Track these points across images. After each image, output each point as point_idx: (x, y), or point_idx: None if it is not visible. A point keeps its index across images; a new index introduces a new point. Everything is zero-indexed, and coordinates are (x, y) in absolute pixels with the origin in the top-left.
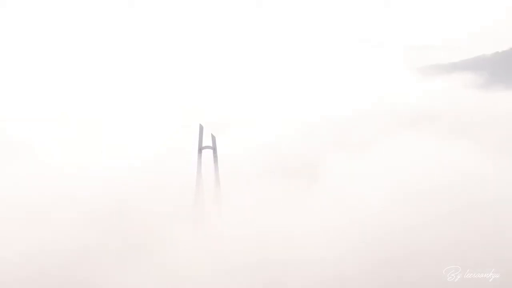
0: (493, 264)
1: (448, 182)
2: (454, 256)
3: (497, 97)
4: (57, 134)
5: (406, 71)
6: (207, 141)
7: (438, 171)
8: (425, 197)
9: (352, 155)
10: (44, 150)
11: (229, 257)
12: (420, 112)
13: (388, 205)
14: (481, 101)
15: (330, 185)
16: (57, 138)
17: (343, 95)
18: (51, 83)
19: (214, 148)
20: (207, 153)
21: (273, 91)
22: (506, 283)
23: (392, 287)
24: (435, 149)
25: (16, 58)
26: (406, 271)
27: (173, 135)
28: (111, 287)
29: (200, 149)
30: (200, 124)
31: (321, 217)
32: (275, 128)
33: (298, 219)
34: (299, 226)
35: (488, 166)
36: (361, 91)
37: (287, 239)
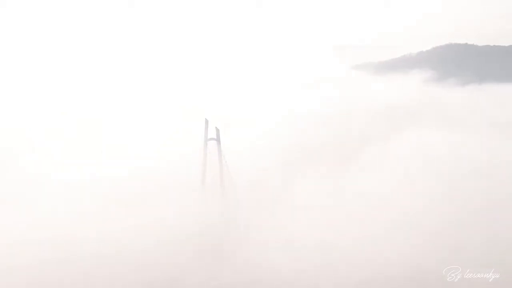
0: (493, 264)
1: (449, 168)
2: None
3: (456, 91)
4: (58, 134)
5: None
6: (211, 134)
7: (442, 161)
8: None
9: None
10: (45, 150)
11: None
12: (398, 108)
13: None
14: (445, 95)
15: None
16: (58, 137)
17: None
18: (51, 83)
19: (218, 140)
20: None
21: (270, 90)
22: (506, 283)
23: None
24: (434, 141)
25: (16, 58)
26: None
27: (173, 135)
28: None
29: (206, 141)
30: (205, 118)
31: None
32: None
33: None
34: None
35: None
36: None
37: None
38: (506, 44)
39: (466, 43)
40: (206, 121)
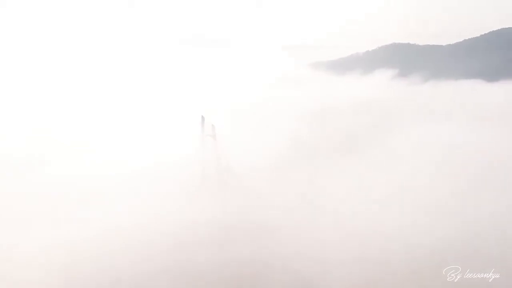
0: (493, 264)
1: (447, 166)
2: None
3: (422, 87)
4: (58, 134)
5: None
6: (208, 130)
7: (440, 158)
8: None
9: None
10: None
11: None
12: (381, 103)
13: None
14: (415, 91)
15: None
16: (58, 137)
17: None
18: (50, 83)
19: (214, 136)
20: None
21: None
22: (506, 283)
23: None
24: (427, 133)
25: (16, 58)
26: None
27: (172, 133)
28: None
29: (203, 137)
30: (202, 116)
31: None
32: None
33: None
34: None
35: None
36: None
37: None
38: (444, 44)
39: (409, 43)
40: (203, 118)
